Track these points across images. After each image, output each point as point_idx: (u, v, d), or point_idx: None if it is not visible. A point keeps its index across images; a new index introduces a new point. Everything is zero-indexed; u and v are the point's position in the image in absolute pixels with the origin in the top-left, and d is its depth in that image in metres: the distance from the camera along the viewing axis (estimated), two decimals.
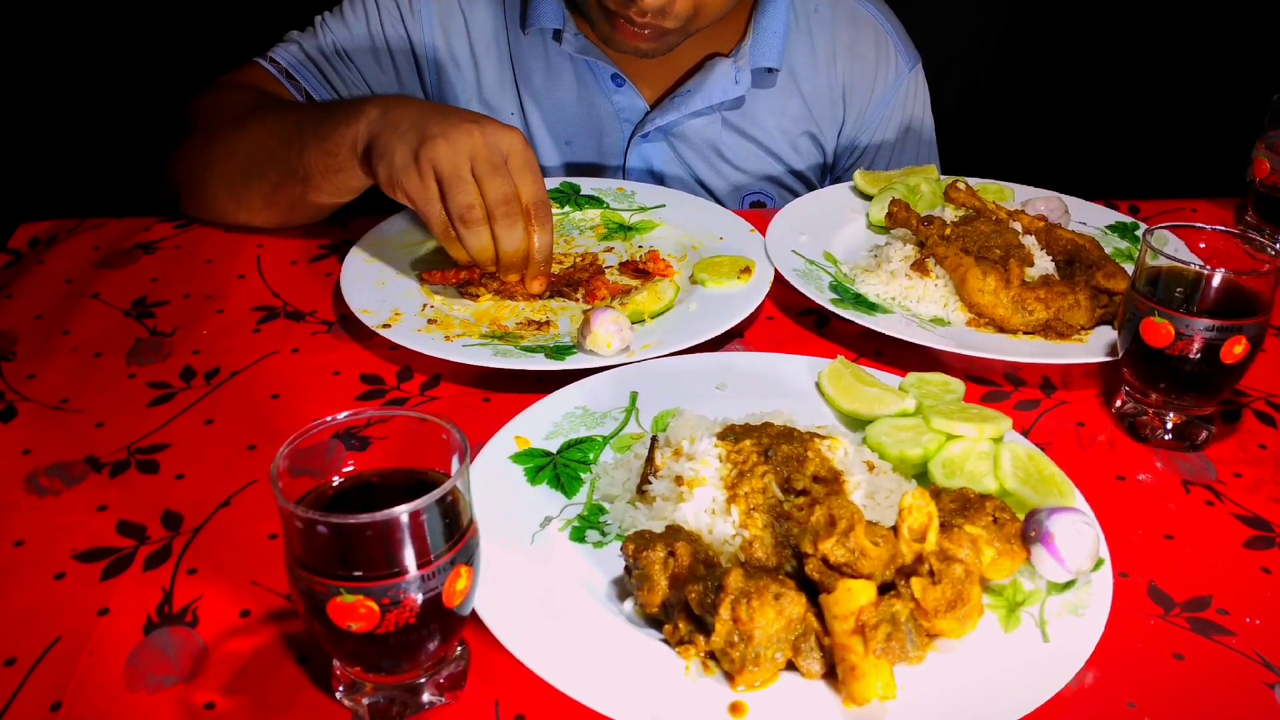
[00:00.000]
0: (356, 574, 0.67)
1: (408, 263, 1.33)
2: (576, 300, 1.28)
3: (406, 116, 1.19)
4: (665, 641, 0.79)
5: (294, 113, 1.36)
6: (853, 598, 0.74)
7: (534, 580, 0.85)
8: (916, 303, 1.27)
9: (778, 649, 0.75)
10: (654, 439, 0.98)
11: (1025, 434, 1.08)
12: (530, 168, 1.19)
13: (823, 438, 0.95)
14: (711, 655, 0.77)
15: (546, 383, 1.09)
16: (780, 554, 0.84)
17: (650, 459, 0.95)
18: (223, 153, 1.38)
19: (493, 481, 0.94)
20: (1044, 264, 1.32)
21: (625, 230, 1.46)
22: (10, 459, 1.01)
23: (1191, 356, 1.02)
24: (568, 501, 0.95)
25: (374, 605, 0.67)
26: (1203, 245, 1.10)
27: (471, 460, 0.84)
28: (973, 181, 1.51)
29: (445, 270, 1.27)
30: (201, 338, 1.21)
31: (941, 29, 2.39)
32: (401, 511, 0.66)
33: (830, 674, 0.75)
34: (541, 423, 1.02)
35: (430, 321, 1.20)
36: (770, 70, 1.58)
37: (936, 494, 0.88)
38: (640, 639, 0.80)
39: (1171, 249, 1.05)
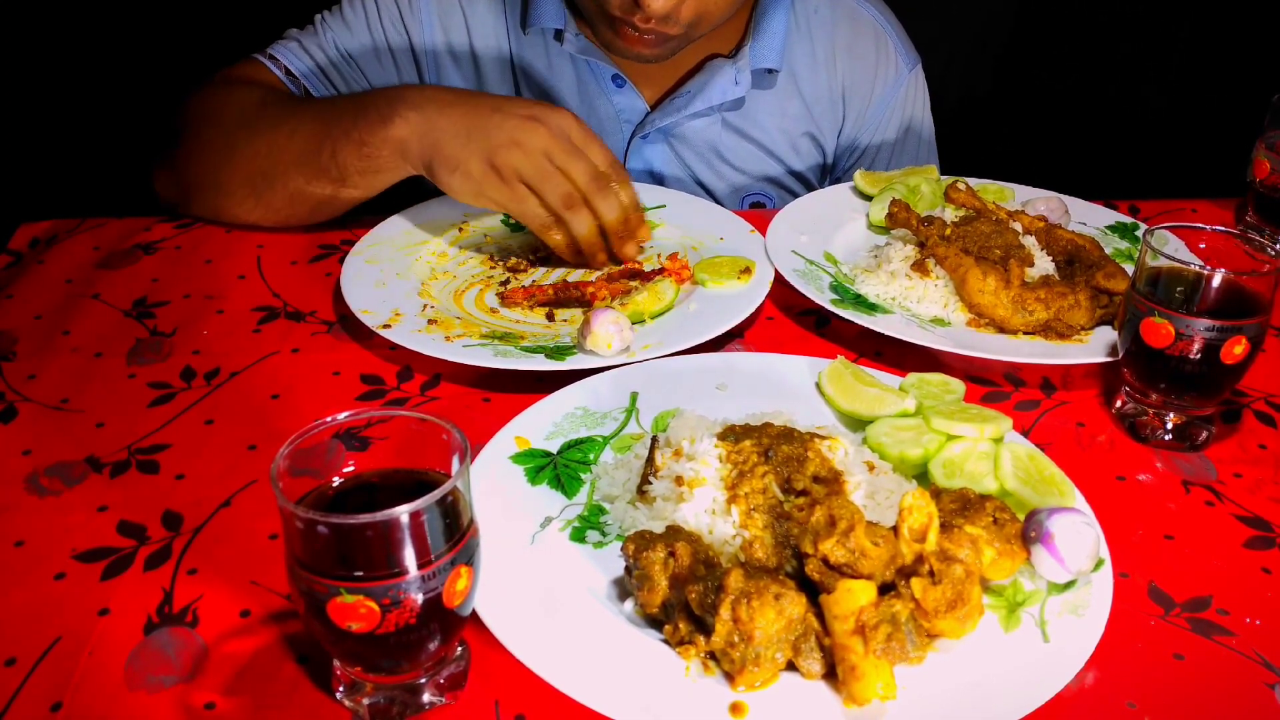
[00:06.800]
0: (357, 574, 0.67)
1: (408, 263, 1.33)
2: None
3: (454, 121, 1.24)
4: (665, 641, 0.79)
5: (316, 110, 1.36)
6: (853, 598, 0.74)
7: (534, 580, 0.85)
8: (916, 303, 1.27)
9: (778, 649, 0.75)
10: (654, 439, 0.98)
11: (1025, 434, 1.08)
12: (592, 138, 1.28)
13: (823, 438, 0.95)
14: (711, 655, 0.77)
15: (546, 383, 1.09)
16: (780, 554, 0.84)
17: (650, 459, 0.95)
18: (243, 152, 1.36)
19: (493, 481, 0.94)
20: (1044, 264, 1.32)
21: None
22: (10, 459, 1.01)
23: (1191, 357, 1.02)
24: (568, 502, 0.95)
25: (374, 605, 0.67)
26: (1203, 245, 1.10)
27: (471, 460, 0.84)
28: (973, 181, 1.51)
29: (529, 288, 1.29)
30: (201, 338, 1.21)
31: (942, 29, 2.39)
32: (401, 512, 0.66)
33: (830, 674, 0.75)
34: (541, 423, 1.02)
35: (430, 321, 1.20)
36: (770, 71, 1.58)
37: (936, 494, 0.88)
38: (640, 639, 0.80)
39: (1171, 249, 1.05)
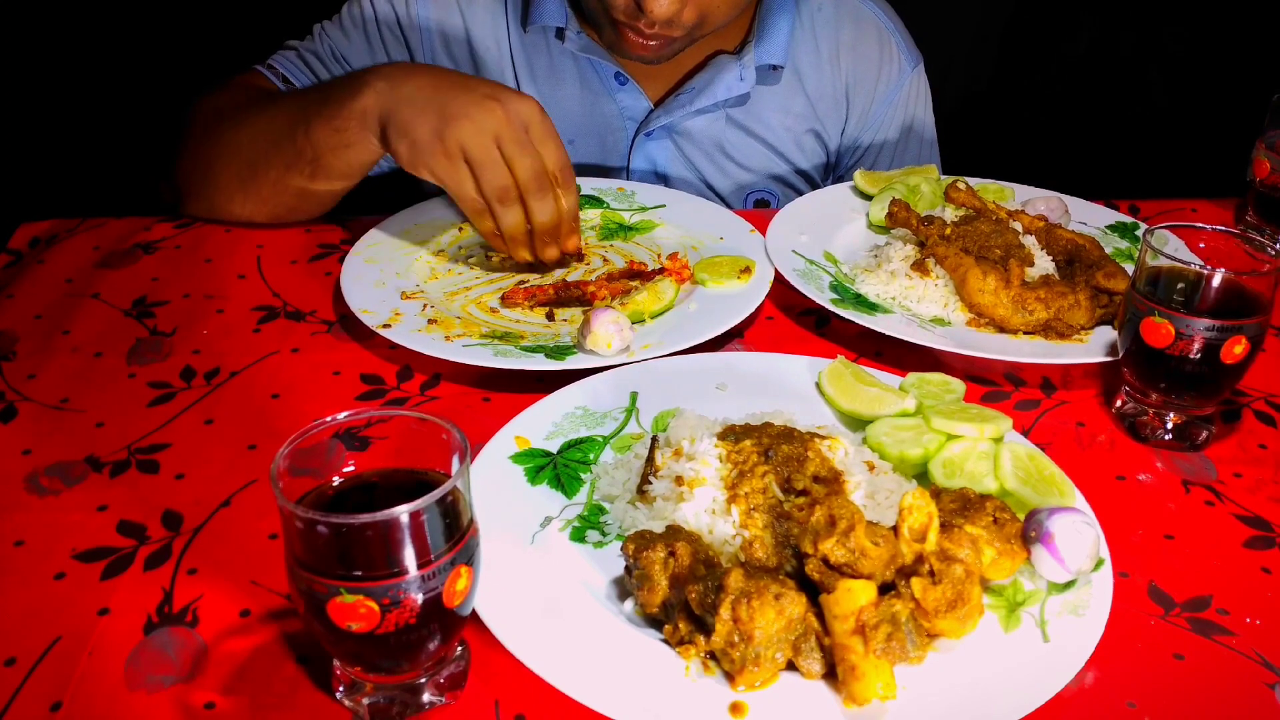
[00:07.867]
0: (356, 574, 0.67)
1: (408, 263, 1.33)
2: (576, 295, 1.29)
3: (420, 90, 1.20)
4: (665, 641, 0.79)
5: (295, 96, 1.37)
6: (853, 598, 0.74)
7: (534, 580, 0.85)
8: (916, 303, 1.27)
9: (778, 649, 0.75)
10: (654, 439, 0.98)
11: (1025, 434, 1.08)
12: (551, 134, 1.23)
13: (823, 438, 0.95)
14: (711, 655, 0.77)
15: (546, 383, 1.09)
16: (780, 554, 0.84)
17: (650, 459, 0.95)
18: (227, 147, 1.38)
19: (493, 481, 0.94)
20: (1044, 264, 1.32)
21: (625, 230, 1.46)
22: (10, 459, 1.01)
23: (1192, 356, 1.02)
24: (568, 501, 0.95)
25: (374, 605, 0.67)
26: (1203, 245, 1.10)
27: (471, 460, 0.84)
28: (973, 181, 1.51)
29: (529, 288, 1.29)
30: (201, 338, 1.21)
31: (943, 29, 2.39)
32: (401, 511, 0.66)
33: (830, 674, 0.75)
34: (541, 423, 1.02)
35: (430, 321, 1.20)
36: (775, 68, 1.58)
37: (936, 494, 0.88)
38: (640, 639, 0.80)
39: (1171, 249, 1.05)
